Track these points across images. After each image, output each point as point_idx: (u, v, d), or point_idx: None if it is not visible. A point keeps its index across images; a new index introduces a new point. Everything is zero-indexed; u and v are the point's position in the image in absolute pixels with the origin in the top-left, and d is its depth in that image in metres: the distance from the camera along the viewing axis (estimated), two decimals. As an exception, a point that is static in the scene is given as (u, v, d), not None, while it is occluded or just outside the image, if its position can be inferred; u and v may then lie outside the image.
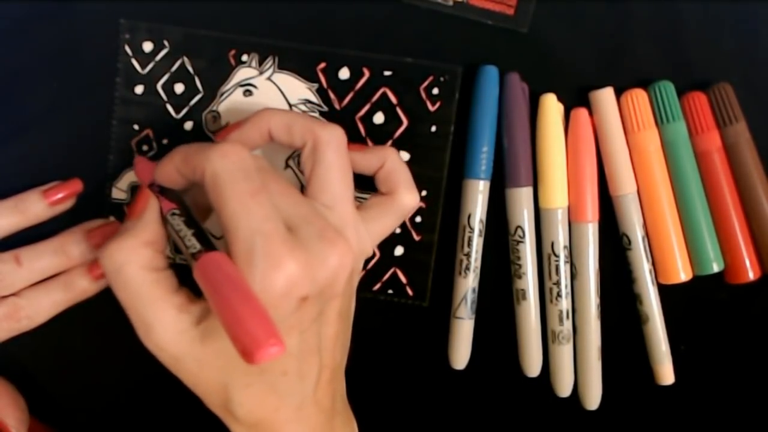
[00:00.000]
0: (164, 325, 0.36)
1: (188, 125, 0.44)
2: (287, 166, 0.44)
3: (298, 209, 0.36)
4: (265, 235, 0.33)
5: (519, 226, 0.44)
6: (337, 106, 0.44)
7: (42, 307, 0.42)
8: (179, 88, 0.43)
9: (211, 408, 0.38)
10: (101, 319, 0.44)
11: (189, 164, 0.36)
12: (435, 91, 0.44)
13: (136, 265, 0.36)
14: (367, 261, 0.45)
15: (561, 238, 0.44)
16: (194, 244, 0.35)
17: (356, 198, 0.41)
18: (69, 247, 0.42)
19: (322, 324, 0.37)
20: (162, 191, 0.38)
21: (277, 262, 0.33)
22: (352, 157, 0.40)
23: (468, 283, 0.44)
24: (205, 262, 0.33)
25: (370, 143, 0.44)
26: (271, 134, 0.39)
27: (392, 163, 0.41)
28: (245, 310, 0.31)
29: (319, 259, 0.35)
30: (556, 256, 0.44)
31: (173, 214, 0.37)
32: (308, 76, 0.43)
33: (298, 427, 0.38)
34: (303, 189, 0.41)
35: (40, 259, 0.42)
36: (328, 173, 0.38)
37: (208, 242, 0.35)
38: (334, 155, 0.38)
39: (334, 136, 0.39)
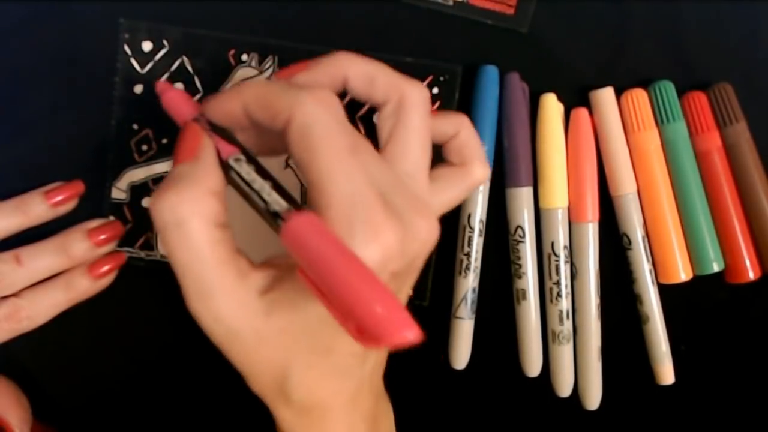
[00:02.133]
0: (226, 292, 0.31)
1: (188, 125, 0.44)
2: (287, 165, 0.44)
3: (386, 176, 0.32)
4: (364, 201, 0.30)
5: (519, 226, 0.44)
6: (337, 106, 0.43)
7: (42, 308, 0.42)
8: (179, 87, 0.43)
9: (257, 389, 0.34)
10: (101, 319, 0.44)
11: (269, 105, 0.31)
12: (435, 90, 0.44)
13: (201, 220, 0.31)
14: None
15: (561, 238, 0.44)
16: (277, 200, 0.29)
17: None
18: (70, 247, 0.42)
19: None
20: (213, 129, 0.32)
21: (377, 231, 0.30)
22: None
23: (468, 283, 0.44)
24: (299, 225, 0.28)
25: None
26: (348, 84, 0.35)
27: (467, 133, 0.38)
28: (363, 287, 0.27)
29: (412, 232, 0.31)
30: (556, 256, 0.44)
31: (238, 159, 0.31)
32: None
33: (351, 413, 0.35)
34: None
35: (41, 258, 0.42)
36: (411, 138, 0.34)
37: (292, 198, 0.30)
38: (419, 119, 0.34)
39: (423, 96, 0.34)
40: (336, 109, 0.31)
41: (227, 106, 0.33)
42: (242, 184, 0.31)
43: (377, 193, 0.31)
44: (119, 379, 0.46)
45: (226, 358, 0.34)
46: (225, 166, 0.31)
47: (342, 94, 0.35)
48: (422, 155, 0.35)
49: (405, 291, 0.35)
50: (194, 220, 0.31)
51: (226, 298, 0.32)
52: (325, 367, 0.33)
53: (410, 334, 0.26)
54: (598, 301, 0.45)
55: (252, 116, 0.32)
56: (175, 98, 0.35)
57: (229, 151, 0.32)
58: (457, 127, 0.38)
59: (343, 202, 0.30)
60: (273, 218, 0.29)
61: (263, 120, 0.32)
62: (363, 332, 0.26)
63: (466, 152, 0.38)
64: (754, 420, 0.48)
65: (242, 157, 0.31)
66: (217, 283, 0.31)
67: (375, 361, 0.36)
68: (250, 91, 0.32)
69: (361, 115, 0.44)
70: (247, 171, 0.31)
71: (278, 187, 0.30)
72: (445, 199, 0.38)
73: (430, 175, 0.36)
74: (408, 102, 0.34)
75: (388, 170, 0.32)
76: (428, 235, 0.32)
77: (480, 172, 0.38)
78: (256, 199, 0.30)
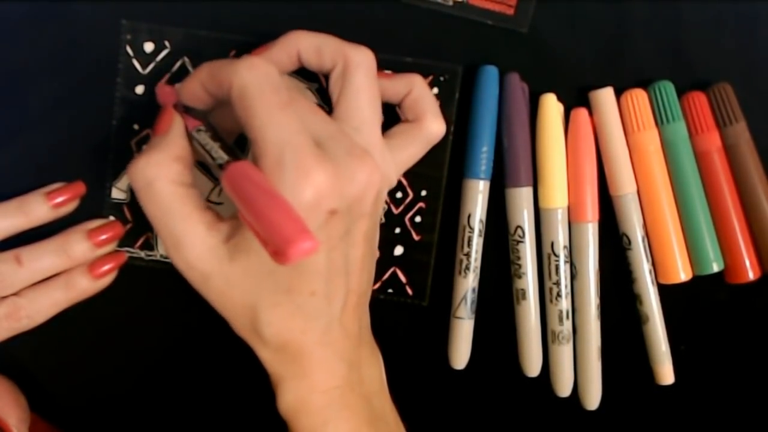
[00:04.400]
0: (194, 241, 0.36)
1: (188, 125, 0.44)
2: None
3: (324, 127, 0.36)
4: (294, 147, 0.34)
5: (519, 226, 0.44)
6: (337, 106, 0.44)
7: (42, 307, 0.42)
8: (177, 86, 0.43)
9: (238, 332, 0.38)
10: (101, 318, 0.44)
11: (215, 78, 0.36)
12: (435, 90, 0.44)
13: (166, 180, 0.36)
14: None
15: (561, 238, 0.44)
16: (221, 155, 0.35)
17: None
18: (70, 247, 0.42)
19: (349, 244, 0.37)
20: (186, 110, 0.39)
21: (306, 172, 0.33)
22: (380, 84, 0.40)
23: (468, 283, 0.44)
24: (233, 171, 0.33)
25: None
26: (300, 57, 0.39)
27: (419, 90, 0.41)
28: (275, 211, 0.31)
29: (348, 174, 0.35)
30: (556, 256, 0.44)
31: (199, 130, 0.37)
32: (308, 75, 0.43)
33: (325, 351, 0.38)
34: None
35: (41, 259, 0.42)
36: (357, 96, 0.38)
37: (234, 153, 0.35)
38: (363, 78, 0.38)
39: (365, 58, 0.38)
40: (267, 72, 0.35)
41: (190, 86, 0.38)
42: (200, 148, 0.37)
43: (309, 140, 0.34)
44: (119, 378, 0.46)
45: (208, 303, 0.38)
46: (190, 137, 0.38)
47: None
48: (369, 111, 0.38)
49: (360, 233, 0.38)
50: (159, 180, 0.36)
51: (194, 246, 0.36)
52: (290, 306, 0.36)
53: (306, 245, 0.30)
54: (598, 301, 0.45)
55: (208, 91, 0.37)
56: (162, 93, 0.40)
57: (193, 125, 0.38)
58: (410, 85, 0.41)
59: (273, 149, 0.34)
60: (219, 169, 0.34)
61: (215, 92, 0.37)
62: (276, 251, 0.30)
63: (420, 107, 0.41)
64: (754, 420, 0.48)
65: (203, 128, 0.37)
66: (186, 233, 0.36)
67: (343, 302, 0.38)
68: (203, 70, 0.38)
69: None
70: (203, 138, 0.37)
71: (225, 147, 0.36)
72: (404, 155, 0.41)
73: (388, 133, 0.41)
74: (352, 64, 0.38)
75: (327, 122, 0.37)
76: (367, 177, 0.35)
77: (434, 125, 0.41)
78: (208, 158, 0.36)
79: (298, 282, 0.36)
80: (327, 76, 0.39)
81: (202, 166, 0.43)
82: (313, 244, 0.30)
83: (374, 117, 0.39)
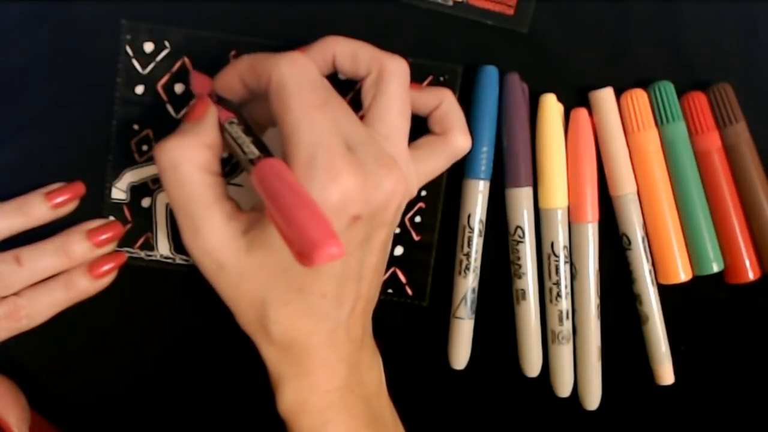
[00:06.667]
0: (213, 229, 0.36)
1: (188, 125, 0.44)
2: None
3: (357, 131, 0.36)
4: (326, 148, 0.34)
5: (519, 226, 0.44)
6: (337, 106, 0.44)
7: (42, 307, 0.42)
8: (179, 88, 0.43)
9: (244, 326, 0.38)
10: (101, 319, 0.44)
11: (255, 71, 0.37)
12: (435, 91, 0.44)
13: (193, 165, 0.36)
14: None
15: (561, 238, 0.44)
16: (253, 151, 0.35)
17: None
18: (69, 247, 0.42)
19: (365, 251, 0.37)
20: (219, 101, 0.39)
21: (336, 175, 0.34)
22: (410, 95, 0.40)
23: (468, 283, 0.44)
24: (263, 167, 0.33)
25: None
26: (336, 62, 0.39)
27: (449, 104, 0.41)
28: (304, 213, 0.31)
29: (376, 182, 0.35)
30: (556, 256, 0.44)
31: (231, 122, 0.37)
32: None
33: (329, 353, 0.38)
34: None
35: (41, 259, 0.42)
36: (389, 104, 0.38)
37: (266, 149, 0.35)
38: (397, 87, 0.38)
39: (399, 68, 0.39)
40: (307, 70, 0.36)
41: (228, 77, 0.39)
42: (231, 141, 0.37)
43: (341, 143, 0.35)
44: (119, 378, 0.46)
45: (216, 293, 0.38)
46: (222, 128, 0.38)
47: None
48: (399, 120, 0.38)
49: (378, 241, 0.38)
50: (187, 164, 0.36)
51: (213, 233, 0.36)
52: (300, 306, 0.37)
53: (333, 250, 0.30)
54: (598, 301, 0.45)
55: (245, 83, 0.38)
56: (195, 81, 0.41)
57: (226, 116, 0.38)
58: (440, 98, 0.41)
59: (305, 149, 0.34)
60: (249, 164, 0.35)
61: (253, 84, 0.37)
62: (301, 253, 0.30)
63: (447, 121, 0.41)
64: (754, 420, 0.48)
65: (236, 120, 0.37)
66: (206, 221, 0.36)
67: (352, 307, 0.38)
68: (243, 62, 0.38)
69: (362, 116, 0.44)
70: (236, 131, 0.37)
71: (257, 142, 0.36)
72: (428, 167, 0.41)
73: (414, 144, 0.41)
74: (387, 72, 0.38)
75: (360, 127, 0.37)
76: (393, 187, 0.36)
77: (460, 140, 0.41)
78: (239, 151, 0.36)
79: (311, 283, 0.36)
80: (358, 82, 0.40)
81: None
82: (339, 249, 0.30)
83: (403, 127, 0.39)
